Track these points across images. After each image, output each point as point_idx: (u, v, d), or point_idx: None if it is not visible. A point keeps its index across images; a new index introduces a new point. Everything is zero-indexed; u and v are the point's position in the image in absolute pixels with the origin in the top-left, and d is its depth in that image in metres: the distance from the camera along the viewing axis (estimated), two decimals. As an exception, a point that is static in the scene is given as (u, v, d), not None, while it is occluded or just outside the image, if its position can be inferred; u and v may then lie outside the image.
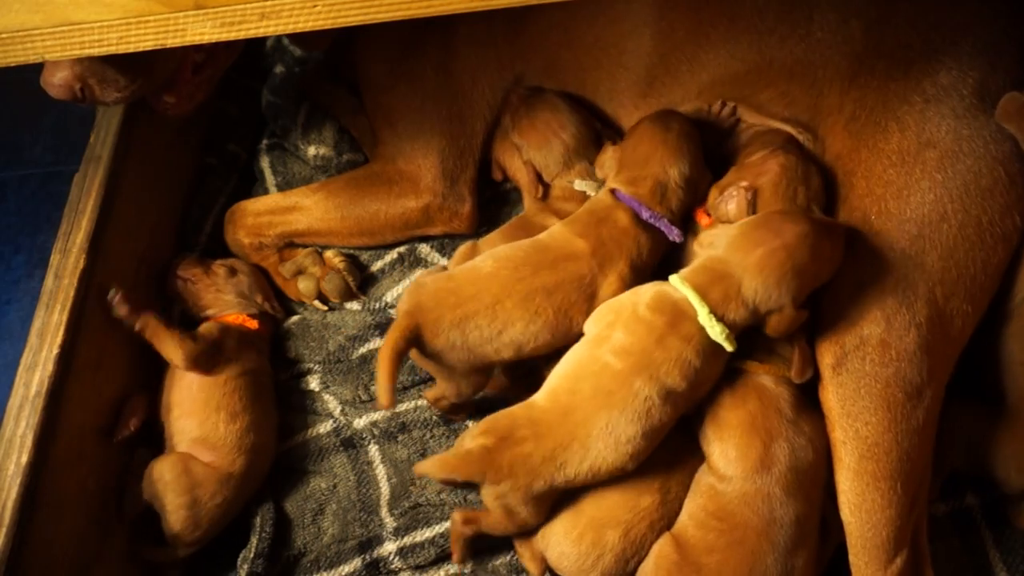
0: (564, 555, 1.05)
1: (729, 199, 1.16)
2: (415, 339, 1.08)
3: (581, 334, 1.11)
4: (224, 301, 1.29)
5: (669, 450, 1.08)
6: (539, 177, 1.34)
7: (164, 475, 1.15)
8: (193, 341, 1.20)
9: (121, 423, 1.21)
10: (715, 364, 1.06)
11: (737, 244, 1.06)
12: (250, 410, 1.22)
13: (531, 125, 1.33)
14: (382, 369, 1.04)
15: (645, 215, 1.17)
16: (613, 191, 1.20)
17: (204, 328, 1.25)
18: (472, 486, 1.14)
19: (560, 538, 1.06)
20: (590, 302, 1.12)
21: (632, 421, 1.01)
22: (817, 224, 1.06)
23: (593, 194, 1.30)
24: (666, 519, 1.06)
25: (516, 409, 1.06)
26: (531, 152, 1.33)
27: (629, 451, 1.02)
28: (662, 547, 1.03)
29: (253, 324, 1.28)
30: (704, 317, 1.02)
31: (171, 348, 1.19)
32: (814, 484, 1.06)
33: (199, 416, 1.19)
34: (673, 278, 1.06)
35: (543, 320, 1.10)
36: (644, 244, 1.17)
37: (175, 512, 1.14)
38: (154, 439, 1.24)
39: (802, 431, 1.06)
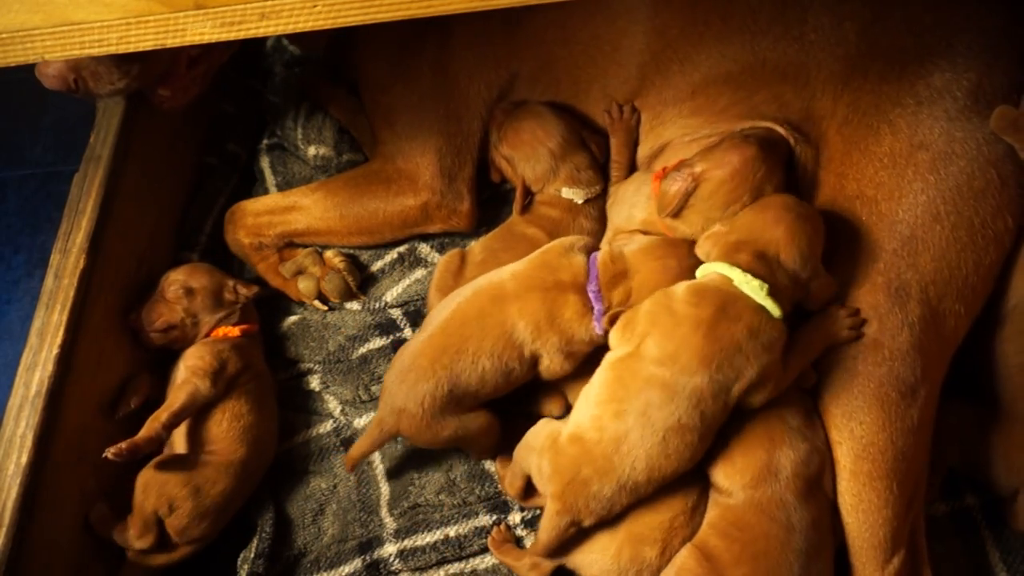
0: (605, 571, 1.05)
1: (676, 180, 1.15)
2: (391, 428, 1.14)
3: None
4: (205, 322, 1.26)
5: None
6: (527, 190, 1.34)
7: (152, 478, 1.14)
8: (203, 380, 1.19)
9: (123, 399, 1.21)
10: (769, 341, 1.01)
11: (755, 226, 1.06)
12: (256, 409, 1.22)
13: (517, 136, 1.34)
14: (357, 449, 1.16)
15: (591, 287, 1.12)
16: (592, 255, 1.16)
17: (197, 363, 1.21)
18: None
19: (599, 555, 1.06)
20: (524, 348, 1.12)
21: (688, 428, 1.00)
22: None
23: (580, 201, 1.31)
24: (693, 534, 1.06)
25: (568, 445, 1.04)
26: (521, 164, 1.34)
27: (687, 455, 1.01)
28: (684, 559, 1.02)
29: (234, 332, 1.27)
30: (754, 287, 1.00)
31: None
32: (821, 487, 1.05)
33: (205, 416, 1.20)
34: (717, 265, 1.04)
35: (482, 368, 1.11)
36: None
37: (180, 505, 1.13)
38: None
39: (806, 436, 1.05)
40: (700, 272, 1.07)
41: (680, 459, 1.01)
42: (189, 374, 1.19)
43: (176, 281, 1.26)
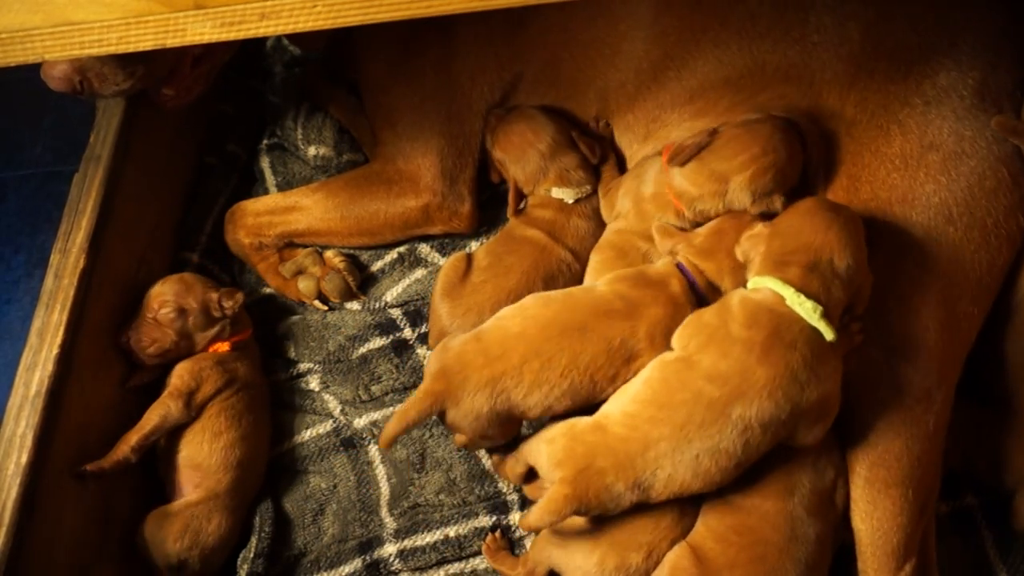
0: None
1: (695, 136, 1.16)
2: (441, 403, 1.06)
3: (603, 400, 1.06)
4: (199, 339, 1.24)
5: None
6: (519, 192, 1.34)
7: (157, 532, 1.14)
8: (174, 401, 1.19)
9: (134, 373, 1.22)
10: (825, 368, 0.98)
11: (803, 231, 1.02)
12: (235, 426, 1.21)
13: (507, 138, 1.34)
14: (397, 421, 1.05)
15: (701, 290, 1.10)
16: (678, 265, 1.13)
17: (175, 382, 1.21)
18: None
19: (582, 561, 1.03)
20: (620, 368, 1.06)
21: (727, 453, 0.96)
22: None
23: (570, 201, 1.31)
24: (684, 536, 1.04)
25: (587, 432, 1.01)
26: (511, 166, 1.34)
27: (718, 480, 0.97)
28: (679, 558, 1.00)
29: (225, 347, 1.25)
30: (807, 309, 0.96)
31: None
32: (833, 503, 1.05)
33: (185, 436, 1.20)
34: (768, 280, 1.00)
35: (568, 383, 1.05)
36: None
37: (187, 555, 1.14)
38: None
39: (825, 450, 1.04)
40: (751, 285, 1.03)
41: (708, 481, 0.97)
42: (164, 394, 1.19)
43: (167, 303, 1.22)
